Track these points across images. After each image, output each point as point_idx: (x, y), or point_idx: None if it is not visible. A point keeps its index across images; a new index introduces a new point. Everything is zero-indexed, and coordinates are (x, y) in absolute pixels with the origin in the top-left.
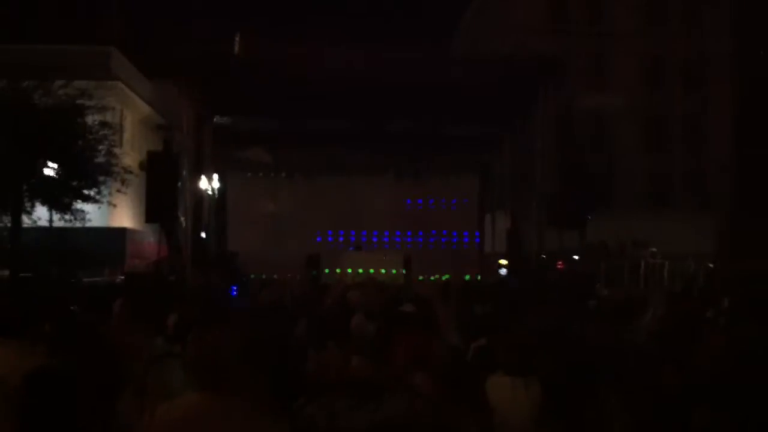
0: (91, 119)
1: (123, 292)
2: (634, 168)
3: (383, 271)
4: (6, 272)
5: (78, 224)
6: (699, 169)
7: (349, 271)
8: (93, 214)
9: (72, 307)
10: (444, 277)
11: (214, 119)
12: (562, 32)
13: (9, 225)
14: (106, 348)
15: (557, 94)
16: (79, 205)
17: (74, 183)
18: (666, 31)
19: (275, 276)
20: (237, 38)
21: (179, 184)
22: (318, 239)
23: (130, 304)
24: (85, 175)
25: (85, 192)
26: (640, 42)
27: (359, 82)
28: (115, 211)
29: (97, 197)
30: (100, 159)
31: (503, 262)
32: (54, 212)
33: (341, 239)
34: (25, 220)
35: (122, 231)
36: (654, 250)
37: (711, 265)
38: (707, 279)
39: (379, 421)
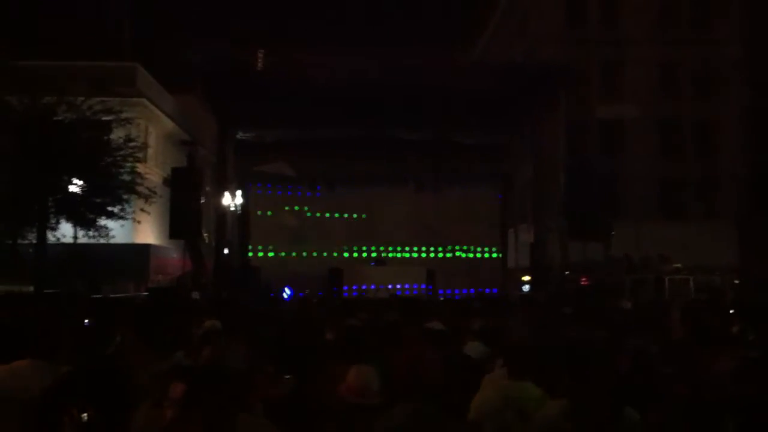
0: (116, 136)
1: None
2: (651, 175)
3: (406, 285)
4: (31, 288)
5: (102, 240)
6: (715, 176)
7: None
8: (117, 230)
9: (86, 323)
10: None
11: (237, 134)
12: (578, 40)
13: (34, 241)
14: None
15: (574, 101)
16: (103, 221)
17: (98, 200)
18: (680, 38)
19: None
20: (260, 53)
21: (203, 199)
22: (340, 253)
23: (136, 323)
24: (109, 192)
25: (110, 209)
26: (654, 49)
27: (378, 91)
28: (139, 227)
29: (122, 214)
30: (125, 176)
31: (526, 278)
32: (78, 228)
33: (363, 253)
34: (50, 237)
35: (146, 247)
36: (678, 265)
37: (736, 282)
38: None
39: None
